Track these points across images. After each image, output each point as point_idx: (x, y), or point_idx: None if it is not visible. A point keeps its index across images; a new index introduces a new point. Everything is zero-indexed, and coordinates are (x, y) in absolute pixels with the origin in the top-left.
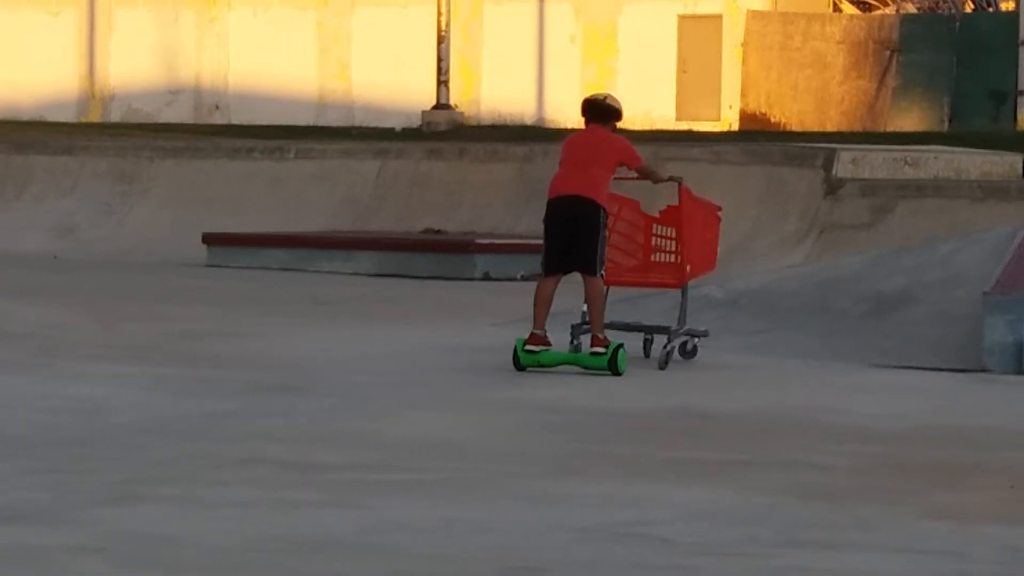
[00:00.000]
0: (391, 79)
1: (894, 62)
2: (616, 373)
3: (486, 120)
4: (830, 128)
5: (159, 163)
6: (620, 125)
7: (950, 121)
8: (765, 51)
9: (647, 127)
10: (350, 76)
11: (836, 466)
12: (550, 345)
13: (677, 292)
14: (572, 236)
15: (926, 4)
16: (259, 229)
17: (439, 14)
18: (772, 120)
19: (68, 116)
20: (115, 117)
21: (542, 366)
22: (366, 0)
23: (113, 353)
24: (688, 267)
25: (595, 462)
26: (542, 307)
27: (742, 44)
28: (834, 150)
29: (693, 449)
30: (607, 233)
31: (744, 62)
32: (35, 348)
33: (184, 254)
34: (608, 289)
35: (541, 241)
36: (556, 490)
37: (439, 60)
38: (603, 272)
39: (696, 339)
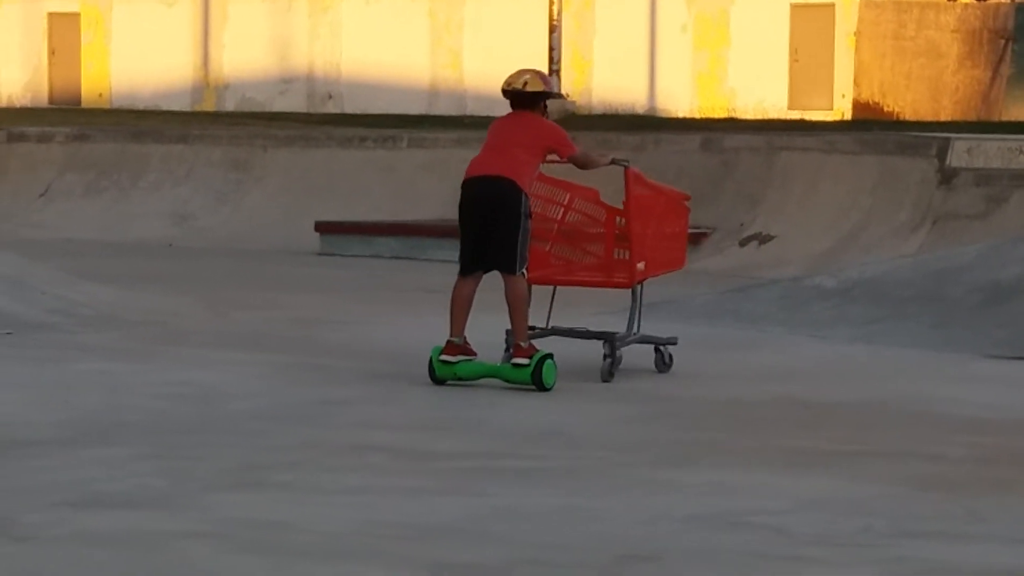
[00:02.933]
0: (503, 68)
1: (1009, 51)
2: (542, 388)
3: (597, 110)
4: (944, 117)
5: (272, 152)
6: (731, 112)
7: None
8: (878, 40)
9: (759, 116)
10: (462, 65)
11: (950, 456)
12: (473, 355)
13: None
14: (489, 226)
15: None
16: (371, 218)
17: (551, 3)
18: (885, 109)
19: (183, 105)
20: (229, 106)
21: (460, 379)
22: None
23: (228, 340)
24: (641, 264)
25: (705, 451)
26: (460, 311)
27: (855, 33)
28: (948, 139)
29: (805, 438)
30: (530, 224)
31: (857, 51)
32: (151, 335)
33: (297, 242)
34: (531, 288)
35: None
36: (667, 478)
37: (551, 49)
38: (525, 270)
39: (668, 347)
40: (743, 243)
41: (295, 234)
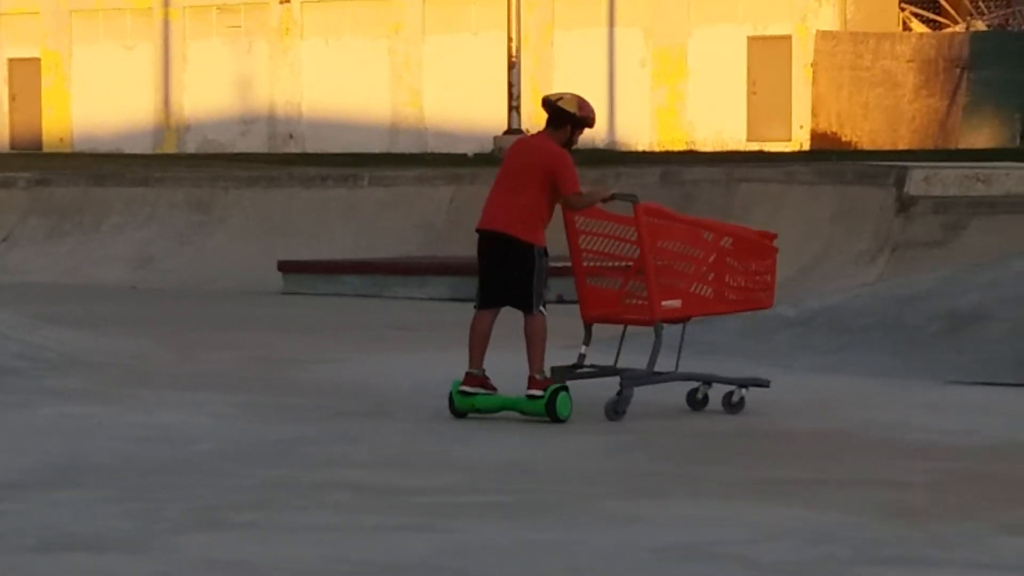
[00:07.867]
0: (463, 105)
1: (964, 79)
2: (555, 419)
3: None
4: (901, 146)
5: (234, 192)
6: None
7: (1022, 138)
8: (835, 71)
9: (718, 148)
10: (422, 103)
11: (912, 483)
12: (493, 389)
13: None
14: (503, 274)
15: (996, 21)
16: (334, 256)
17: (509, 40)
18: (843, 139)
19: (144, 148)
20: (190, 148)
21: (478, 411)
22: (437, 27)
23: (193, 381)
24: (676, 302)
25: (670, 482)
26: (478, 344)
27: (812, 64)
28: (906, 168)
29: (768, 468)
30: (545, 263)
31: (814, 82)
32: (116, 378)
33: (260, 282)
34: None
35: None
36: (632, 510)
37: (510, 85)
38: (542, 308)
39: (745, 389)
40: None
41: (258, 274)
